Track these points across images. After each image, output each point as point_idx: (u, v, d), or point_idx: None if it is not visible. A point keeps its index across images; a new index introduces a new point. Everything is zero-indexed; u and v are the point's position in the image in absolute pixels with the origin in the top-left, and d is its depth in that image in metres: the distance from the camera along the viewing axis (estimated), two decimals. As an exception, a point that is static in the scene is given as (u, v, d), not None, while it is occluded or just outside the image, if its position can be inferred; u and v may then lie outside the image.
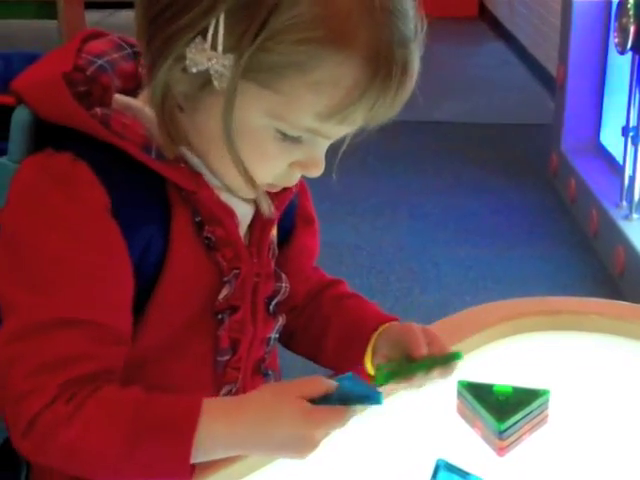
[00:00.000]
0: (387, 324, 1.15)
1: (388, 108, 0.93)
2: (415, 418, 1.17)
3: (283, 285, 1.12)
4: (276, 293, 1.12)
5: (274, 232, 1.12)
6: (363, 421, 1.15)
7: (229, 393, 1.09)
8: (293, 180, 1.02)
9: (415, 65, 0.94)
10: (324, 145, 0.98)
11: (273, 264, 1.11)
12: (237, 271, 1.04)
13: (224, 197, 1.02)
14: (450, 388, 1.18)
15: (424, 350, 1.07)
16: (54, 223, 0.94)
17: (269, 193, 1.04)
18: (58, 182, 0.94)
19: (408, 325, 1.13)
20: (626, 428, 1.16)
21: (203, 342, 1.06)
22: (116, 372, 0.97)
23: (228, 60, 0.90)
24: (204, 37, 0.90)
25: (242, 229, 1.06)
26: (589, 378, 1.25)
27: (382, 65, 0.90)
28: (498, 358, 1.30)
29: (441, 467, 1.07)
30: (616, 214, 3.44)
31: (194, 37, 0.91)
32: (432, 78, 5.10)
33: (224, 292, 1.04)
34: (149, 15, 0.94)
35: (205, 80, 0.92)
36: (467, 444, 1.13)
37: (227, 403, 0.98)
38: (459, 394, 1.17)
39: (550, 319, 1.36)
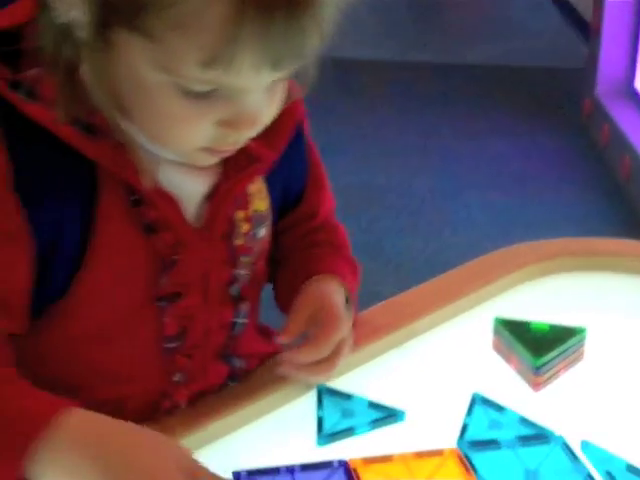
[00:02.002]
0: (318, 277, 1.10)
1: (285, 45, 0.80)
2: (452, 354, 1.17)
3: (242, 272, 1.04)
4: (234, 280, 1.04)
5: (255, 208, 1.04)
6: (401, 355, 1.17)
7: (183, 379, 1.04)
8: (231, 141, 0.90)
9: None
10: (250, 99, 0.86)
11: (233, 247, 1.02)
12: (176, 257, 0.96)
13: (165, 176, 0.94)
14: (486, 325, 1.19)
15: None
16: None
17: (264, 138, 0.95)
18: None
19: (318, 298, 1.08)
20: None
21: (147, 328, 0.99)
22: None
23: (90, 5, 0.80)
24: None
25: (192, 206, 0.98)
26: (625, 317, 1.25)
27: None
28: (535, 296, 1.30)
29: (477, 401, 1.08)
30: (649, 160, 3.41)
31: None
32: (464, 20, 5.02)
33: (163, 279, 0.97)
34: None
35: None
36: (503, 380, 1.13)
37: (88, 433, 0.82)
38: (495, 331, 1.18)
39: (586, 260, 1.36)
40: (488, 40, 5.36)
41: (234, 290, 1.05)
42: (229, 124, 0.87)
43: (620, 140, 3.68)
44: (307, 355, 1.05)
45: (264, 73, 0.83)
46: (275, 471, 0.97)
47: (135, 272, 0.96)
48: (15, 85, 0.87)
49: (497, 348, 1.18)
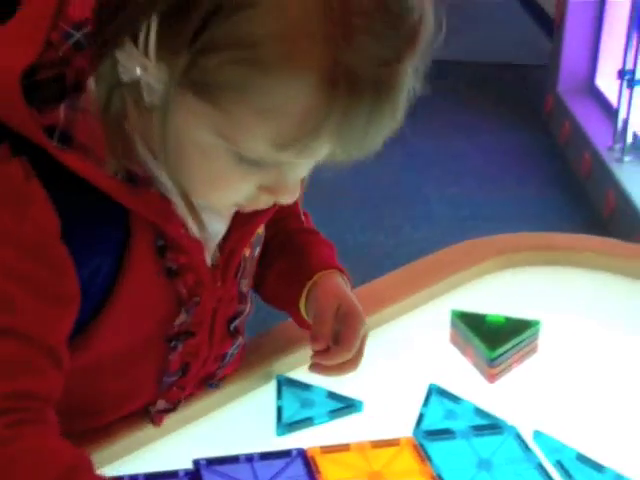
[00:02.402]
0: (323, 274, 1.09)
1: (361, 140, 0.79)
2: (410, 346, 1.20)
3: (248, 307, 1.05)
4: (238, 314, 1.05)
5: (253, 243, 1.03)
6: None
7: (166, 407, 1.03)
8: (262, 204, 0.89)
9: (399, 86, 0.78)
10: (296, 172, 0.85)
11: (240, 285, 1.02)
12: (197, 298, 0.96)
13: (191, 221, 0.89)
14: (444, 318, 1.21)
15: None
16: (5, 240, 0.81)
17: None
18: (9, 201, 0.82)
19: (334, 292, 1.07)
20: (612, 360, 1.19)
21: (151, 365, 0.99)
22: (54, 397, 0.85)
23: (161, 71, 0.77)
24: (135, 42, 0.77)
25: (210, 249, 0.97)
26: (580, 311, 1.28)
27: (342, 90, 0.74)
28: (491, 290, 1.32)
29: (433, 392, 1.10)
30: (608, 157, 3.46)
31: (124, 40, 0.78)
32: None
33: (181, 319, 0.96)
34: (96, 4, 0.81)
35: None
36: (459, 371, 1.16)
37: None
38: (452, 323, 1.20)
39: (544, 254, 1.39)
40: (452, 36, 5.38)
41: (234, 326, 1.04)
42: (270, 191, 0.86)
43: (580, 137, 3.73)
44: (339, 356, 1.04)
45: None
46: (235, 460, 0.98)
47: (153, 314, 0.95)
48: (49, 130, 0.82)
49: (454, 340, 1.20)
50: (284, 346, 1.16)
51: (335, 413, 1.07)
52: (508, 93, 4.59)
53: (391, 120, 0.79)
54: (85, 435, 0.97)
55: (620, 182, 3.25)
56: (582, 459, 1.00)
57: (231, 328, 1.04)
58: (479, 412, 1.07)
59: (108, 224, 0.87)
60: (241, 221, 0.97)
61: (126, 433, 1.00)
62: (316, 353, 1.05)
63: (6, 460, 0.77)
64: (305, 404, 1.08)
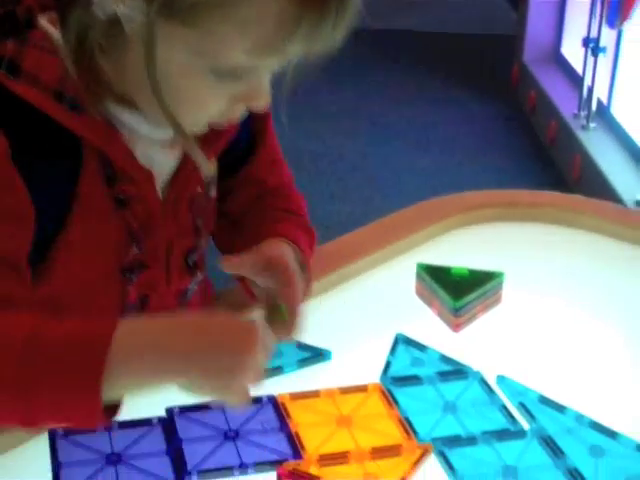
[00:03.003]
0: (272, 240, 1.06)
1: (329, 35, 0.84)
2: (377, 299, 1.22)
3: (202, 241, 1.08)
4: (194, 249, 1.07)
5: (206, 173, 1.04)
6: (328, 300, 1.21)
7: None
8: (237, 114, 0.94)
9: None
10: (266, 75, 0.90)
11: (197, 221, 1.06)
12: (148, 230, 0.99)
13: (140, 151, 0.96)
14: (410, 272, 1.24)
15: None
16: None
17: (202, 141, 0.96)
18: None
19: (278, 257, 1.02)
20: (571, 308, 1.22)
21: (110, 297, 1.01)
22: (14, 302, 0.88)
23: (137, 2, 0.81)
24: None
25: (160, 182, 1.00)
26: (542, 264, 1.31)
27: None
28: (456, 245, 1.35)
29: (400, 341, 1.13)
30: (574, 124, 3.50)
31: None
32: (396, -14, 4.91)
33: (132, 251, 0.99)
34: None
35: (120, 25, 0.84)
36: (425, 322, 1.18)
37: (152, 332, 0.83)
38: (418, 276, 1.23)
39: (508, 211, 1.42)
40: (419, 7, 5.41)
41: (191, 259, 1.07)
42: (245, 98, 0.90)
43: (547, 105, 3.77)
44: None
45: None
46: (207, 407, 1.01)
47: (105, 242, 0.98)
48: None
49: (420, 293, 1.23)
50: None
51: (304, 362, 1.09)
52: (475, 63, 4.62)
53: (352, 11, 0.84)
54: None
55: (586, 148, 3.29)
56: (544, 401, 1.03)
57: (189, 262, 1.06)
58: (444, 359, 1.10)
59: (59, 153, 0.91)
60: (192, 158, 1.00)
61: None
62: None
63: None
64: (275, 354, 1.10)
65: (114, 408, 0.83)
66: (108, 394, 0.79)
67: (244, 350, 0.83)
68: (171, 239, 1.03)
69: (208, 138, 0.98)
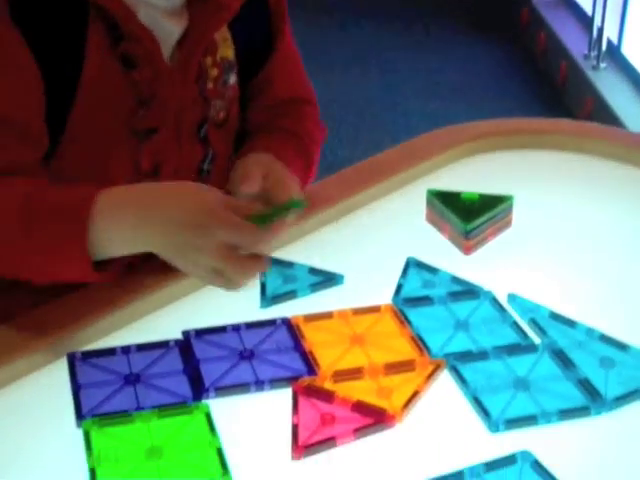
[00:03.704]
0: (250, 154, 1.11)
1: None
2: (388, 226, 1.23)
3: (211, 112, 1.11)
4: (205, 121, 1.10)
5: (222, 54, 1.10)
6: (340, 227, 1.22)
7: None
8: None
9: None
10: None
11: (204, 89, 1.09)
12: (156, 93, 1.03)
13: (143, 13, 1.00)
14: (420, 200, 1.25)
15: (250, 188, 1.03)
16: None
17: (210, 10, 1.03)
18: None
19: (256, 161, 1.07)
20: (579, 230, 1.23)
21: (123, 163, 1.05)
22: (21, 168, 0.97)
23: None
24: None
25: (167, 49, 1.04)
26: (550, 189, 1.32)
27: None
28: (466, 173, 1.36)
29: (411, 264, 1.14)
30: (585, 64, 3.48)
31: None
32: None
33: (141, 112, 1.03)
34: None
35: None
36: (436, 246, 1.19)
37: (137, 194, 0.94)
38: (428, 202, 1.23)
39: (516, 138, 1.42)
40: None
41: (203, 132, 1.10)
42: None
43: (556, 46, 3.74)
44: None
45: None
46: (222, 329, 1.02)
47: (115, 106, 1.02)
48: None
49: (430, 219, 1.24)
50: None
51: (317, 286, 1.10)
52: (483, 6, 4.58)
53: None
54: (79, 308, 1.01)
55: (597, 88, 3.28)
56: (555, 316, 1.04)
57: (201, 134, 1.10)
58: (456, 280, 1.11)
59: (65, 14, 0.96)
60: (198, 25, 1.05)
61: (117, 308, 1.03)
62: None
63: None
64: (288, 279, 1.11)
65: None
66: (96, 248, 0.91)
67: (207, 225, 0.89)
68: (181, 107, 1.06)
69: (208, 10, 1.03)
